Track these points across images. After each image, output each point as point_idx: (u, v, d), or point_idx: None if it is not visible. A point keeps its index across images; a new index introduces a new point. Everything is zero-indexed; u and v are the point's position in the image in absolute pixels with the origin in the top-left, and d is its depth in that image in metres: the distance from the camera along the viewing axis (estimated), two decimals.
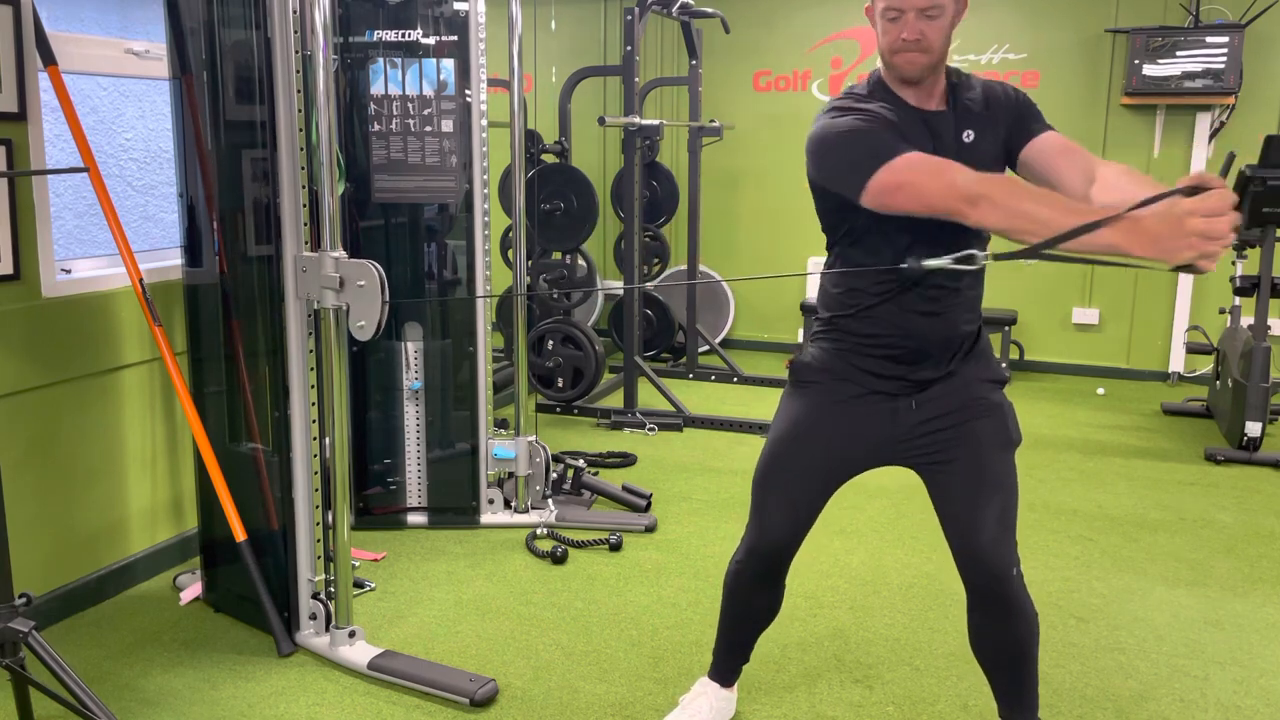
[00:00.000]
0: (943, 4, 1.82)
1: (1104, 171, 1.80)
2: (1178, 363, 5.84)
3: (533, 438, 3.58)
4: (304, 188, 2.54)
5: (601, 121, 4.65)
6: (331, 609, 2.65)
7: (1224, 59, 5.35)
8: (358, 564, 3.19)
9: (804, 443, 2.05)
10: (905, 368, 1.96)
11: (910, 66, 1.85)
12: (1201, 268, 1.48)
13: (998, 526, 1.93)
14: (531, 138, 4.93)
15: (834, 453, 2.04)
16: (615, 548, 3.34)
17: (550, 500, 3.64)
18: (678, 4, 5.05)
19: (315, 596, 2.66)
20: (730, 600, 2.26)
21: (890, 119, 1.84)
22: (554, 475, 3.71)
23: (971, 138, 1.91)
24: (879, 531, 3.53)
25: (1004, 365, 5.78)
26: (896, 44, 1.84)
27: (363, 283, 2.36)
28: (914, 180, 1.71)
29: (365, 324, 2.37)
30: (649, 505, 3.69)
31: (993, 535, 1.93)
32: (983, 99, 1.94)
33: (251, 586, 2.71)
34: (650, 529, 3.51)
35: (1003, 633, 2.01)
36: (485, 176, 3.42)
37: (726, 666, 2.34)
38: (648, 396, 5.10)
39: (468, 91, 3.34)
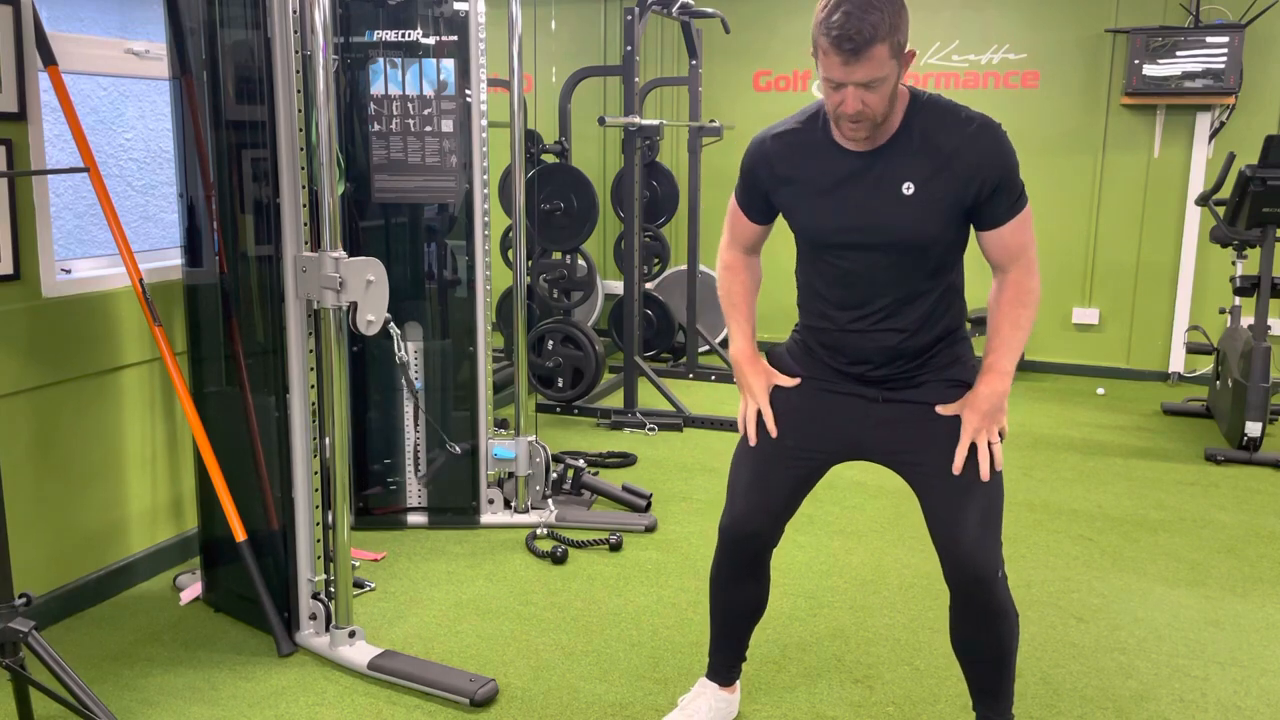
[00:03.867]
0: (884, 75, 1.74)
1: (1004, 293, 1.96)
2: (1178, 363, 5.84)
3: (533, 438, 3.58)
4: (304, 188, 2.54)
5: (601, 121, 4.65)
6: (331, 609, 2.65)
7: (1224, 59, 5.35)
8: (358, 564, 3.19)
9: (775, 428, 2.08)
10: (856, 367, 2.01)
11: (853, 134, 1.82)
12: None
13: (979, 529, 1.92)
14: (531, 138, 4.93)
15: (802, 439, 2.06)
16: (615, 548, 3.34)
17: (550, 500, 3.64)
18: (678, 4, 5.05)
19: (315, 596, 2.66)
20: (712, 595, 2.27)
21: (768, 171, 2.00)
22: (554, 475, 3.71)
23: (911, 190, 1.85)
24: (879, 531, 3.53)
25: None
26: (838, 113, 1.80)
27: (372, 278, 2.37)
28: (731, 214, 2.18)
29: (374, 319, 2.39)
30: (649, 505, 3.69)
31: (974, 538, 1.92)
32: (949, 149, 1.83)
33: (251, 586, 2.72)
34: (650, 529, 3.52)
35: (983, 633, 2.01)
36: (485, 176, 3.42)
37: (721, 665, 2.34)
38: (648, 396, 5.10)
39: (468, 91, 3.34)
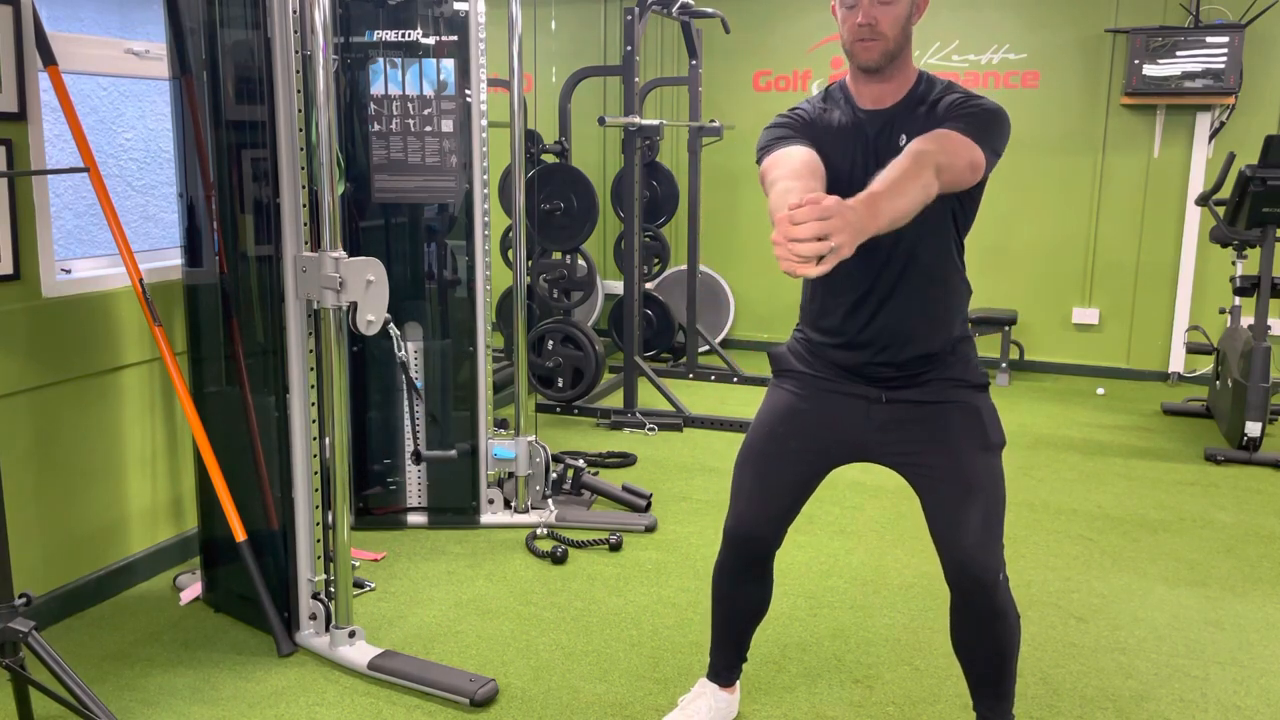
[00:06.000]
0: None
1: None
2: (1178, 363, 5.84)
3: (533, 438, 3.58)
4: (304, 188, 2.54)
5: (601, 121, 4.65)
6: (331, 609, 2.65)
7: (1224, 59, 5.35)
8: (358, 564, 3.19)
9: (778, 430, 2.08)
10: (859, 355, 1.99)
11: (866, 54, 1.87)
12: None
13: (981, 530, 1.91)
14: (531, 138, 4.93)
15: (806, 441, 2.05)
16: (615, 548, 3.34)
17: (550, 500, 3.64)
18: (678, 4, 5.05)
19: (315, 596, 2.66)
20: (714, 595, 2.27)
21: (806, 119, 1.95)
22: (554, 475, 3.71)
23: (905, 141, 1.89)
24: (879, 531, 3.53)
25: (1004, 365, 5.83)
26: (854, 31, 1.87)
27: (372, 278, 2.37)
28: (765, 169, 1.87)
29: (374, 319, 2.39)
30: (649, 505, 3.69)
31: (977, 540, 1.91)
32: (943, 109, 1.90)
33: (251, 586, 2.72)
34: (650, 529, 3.52)
35: (983, 635, 2.01)
36: (485, 176, 3.42)
37: (722, 665, 2.34)
38: (648, 396, 5.10)
39: (468, 91, 3.34)
